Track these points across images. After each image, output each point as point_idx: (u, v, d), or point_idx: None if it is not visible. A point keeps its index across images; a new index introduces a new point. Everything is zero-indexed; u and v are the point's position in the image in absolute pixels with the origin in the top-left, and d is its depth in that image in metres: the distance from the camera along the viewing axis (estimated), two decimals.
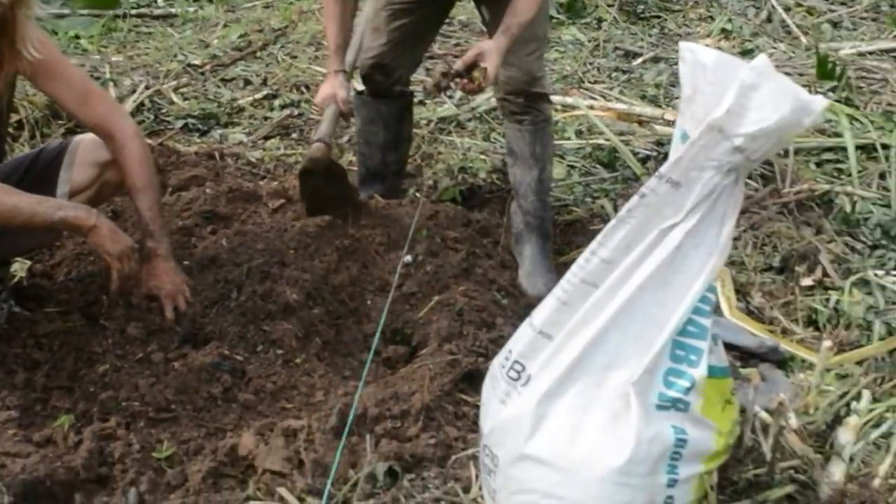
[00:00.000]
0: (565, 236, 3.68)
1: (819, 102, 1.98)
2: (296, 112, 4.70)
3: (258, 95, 4.96)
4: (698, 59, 2.04)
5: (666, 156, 4.12)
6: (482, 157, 4.20)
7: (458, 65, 2.98)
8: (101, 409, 2.56)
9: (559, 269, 3.37)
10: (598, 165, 4.23)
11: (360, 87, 3.67)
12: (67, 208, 2.51)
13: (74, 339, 2.81)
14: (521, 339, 2.17)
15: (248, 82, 5.20)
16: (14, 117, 4.04)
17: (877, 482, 2.43)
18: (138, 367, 2.69)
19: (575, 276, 2.11)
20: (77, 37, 6.00)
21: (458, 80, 2.99)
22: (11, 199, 2.39)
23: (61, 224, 2.57)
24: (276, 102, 4.85)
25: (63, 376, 2.70)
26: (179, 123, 4.60)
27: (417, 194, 3.89)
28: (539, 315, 2.15)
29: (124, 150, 2.85)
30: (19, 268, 3.19)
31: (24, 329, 2.84)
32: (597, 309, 2.07)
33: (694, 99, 2.05)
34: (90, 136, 2.95)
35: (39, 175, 2.84)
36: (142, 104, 4.74)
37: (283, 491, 2.37)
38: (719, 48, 5.56)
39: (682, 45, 2.11)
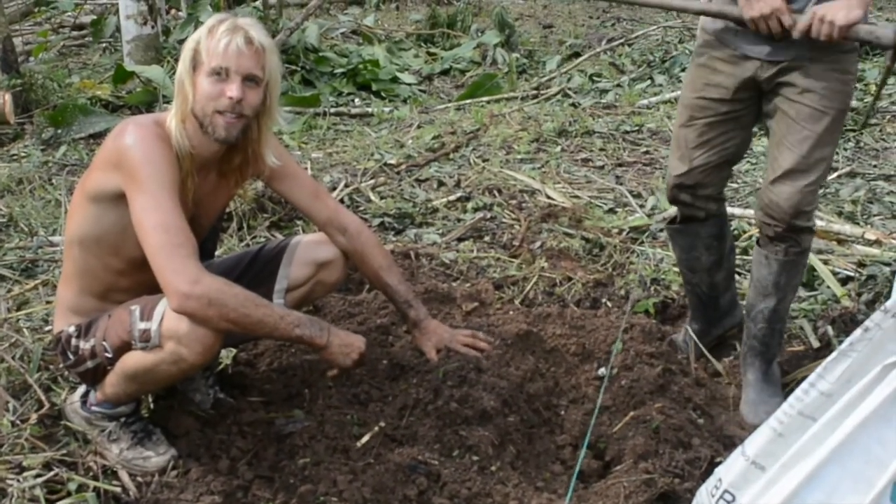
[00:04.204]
0: None
1: None
2: (488, 215, 4.74)
3: (452, 197, 5.02)
4: None
5: (868, 278, 4.05)
6: (675, 269, 4.15)
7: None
8: (300, 502, 2.61)
9: None
10: None
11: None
12: (304, 326, 2.59)
13: (275, 430, 2.90)
14: (732, 467, 2.12)
15: (441, 183, 5.30)
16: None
17: None
18: (337, 462, 2.74)
19: (792, 407, 2.06)
20: (279, 133, 6.32)
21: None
22: (259, 312, 2.51)
23: (297, 340, 2.67)
24: (469, 205, 4.89)
25: (265, 466, 2.78)
26: (376, 221, 4.70)
27: (608, 303, 3.88)
28: (752, 445, 2.10)
29: (361, 236, 3.02)
30: (225, 355, 3.31)
31: (229, 416, 2.94)
32: (814, 443, 2.02)
33: None
34: (308, 236, 3.09)
35: (260, 270, 2.98)
36: (341, 201, 4.85)
37: None
38: None
39: None
